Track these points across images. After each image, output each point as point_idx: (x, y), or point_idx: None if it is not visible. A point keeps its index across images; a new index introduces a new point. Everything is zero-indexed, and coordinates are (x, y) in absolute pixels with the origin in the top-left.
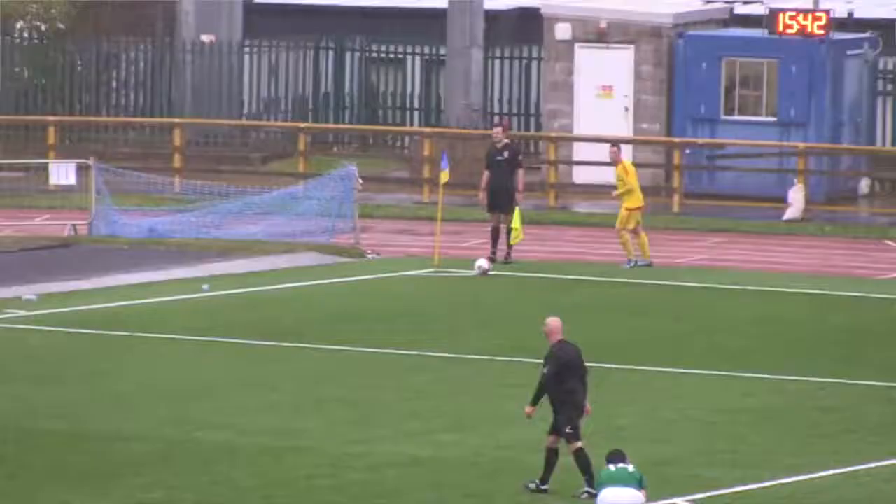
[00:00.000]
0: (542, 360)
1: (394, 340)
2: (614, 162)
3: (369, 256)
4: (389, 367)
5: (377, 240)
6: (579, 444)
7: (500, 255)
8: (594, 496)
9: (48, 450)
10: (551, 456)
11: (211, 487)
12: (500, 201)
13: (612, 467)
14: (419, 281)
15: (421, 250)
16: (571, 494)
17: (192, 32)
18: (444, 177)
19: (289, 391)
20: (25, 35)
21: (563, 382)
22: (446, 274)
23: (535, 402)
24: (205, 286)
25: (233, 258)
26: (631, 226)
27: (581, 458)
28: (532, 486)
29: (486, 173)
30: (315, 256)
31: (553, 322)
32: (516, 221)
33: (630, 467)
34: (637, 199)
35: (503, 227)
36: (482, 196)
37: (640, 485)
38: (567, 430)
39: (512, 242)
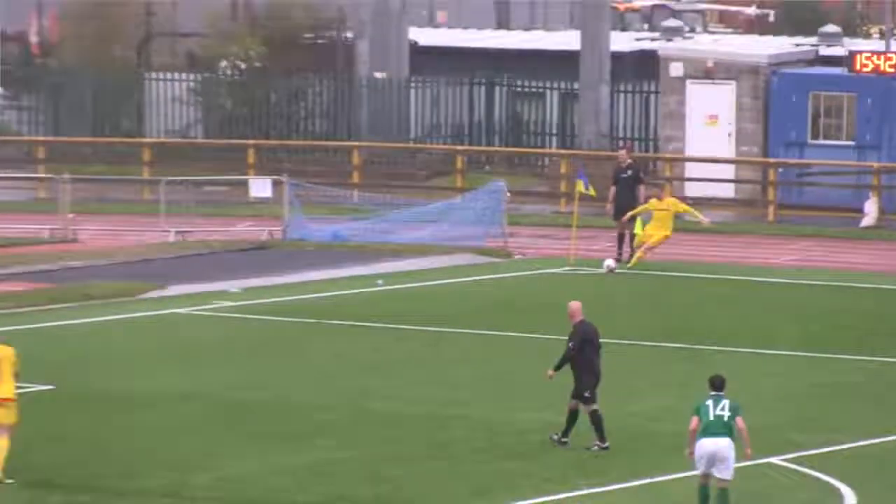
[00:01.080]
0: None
1: (534, 326)
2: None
3: (516, 257)
4: (530, 349)
5: (522, 243)
6: (594, 406)
7: (625, 255)
8: (604, 449)
9: (257, 415)
10: (572, 415)
11: (387, 447)
12: (625, 211)
13: (710, 406)
14: (557, 277)
15: (558, 252)
16: (585, 447)
17: (367, 70)
18: (581, 187)
19: (447, 369)
20: (228, 72)
21: (584, 354)
22: (580, 272)
23: (557, 368)
24: (379, 281)
25: (403, 258)
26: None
27: (595, 418)
28: (555, 437)
29: (613, 188)
30: (470, 257)
31: (574, 305)
32: (638, 228)
33: (726, 403)
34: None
35: (627, 233)
36: (609, 207)
37: (734, 416)
38: (585, 395)
39: (635, 245)
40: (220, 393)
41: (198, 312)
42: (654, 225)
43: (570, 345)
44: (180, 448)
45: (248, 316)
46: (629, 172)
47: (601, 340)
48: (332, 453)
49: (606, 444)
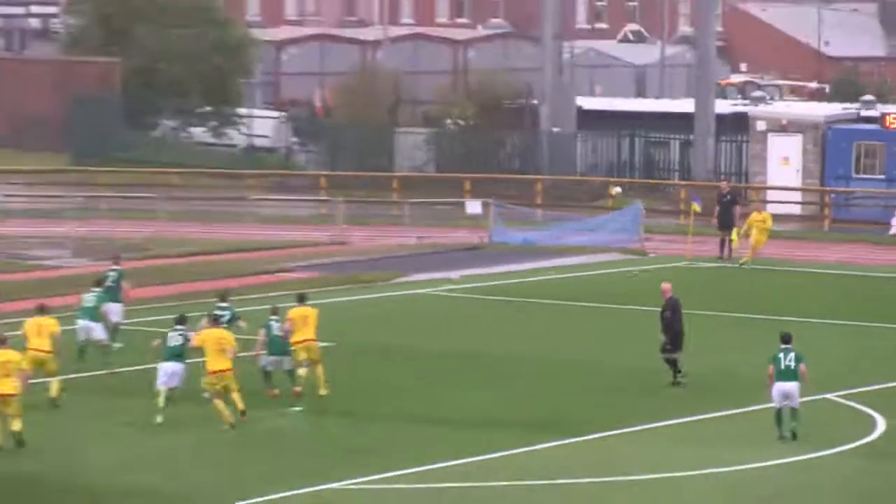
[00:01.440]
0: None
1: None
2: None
3: (649, 255)
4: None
5: (653, 246)
6: (674, 355)
7: (724, 255)
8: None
9: (482, 364)
10: (670, 363)
11: (566, 384)
12: (725, 224)
13: (781, 357)
14: (677, 269)
15: (678, 252)
16: (669, 382)
17: (547, 125)
18: (695, 207)
19: (599, 332)
20: (451, 127)
21: (671, 320)
22: (692, 265)
23: (664, 332)
24: (553, 273)
25: (571, 256)
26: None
27: (675, 363)
28: (681, 380)
29: (717, 208)
30: (617, 255)
31: (665, 285)
32: (734, 235)
33: (792, 354)
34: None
35: (726, 239)
36: (714, 222)
37: (798, 363)
38: (667, 347)
39: (734, 247)
40: (452, 348)
41: (430, 292)
42: (757, 233)
43: (666, 314)
44: (436, 388)
45: (464, 295)
46: (728, 197)
47: (684, 311)
48: (534, 387)
49: (682, 378)
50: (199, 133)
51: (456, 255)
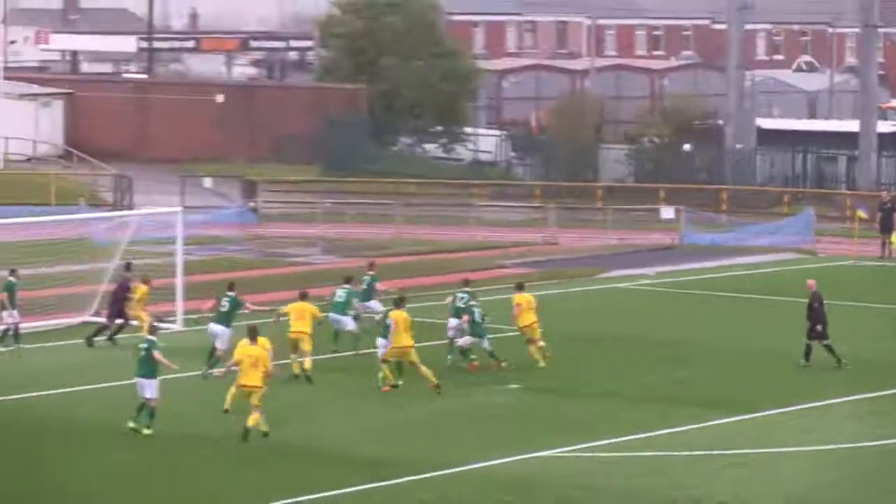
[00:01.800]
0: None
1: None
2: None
3: (820, 255)
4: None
5: (823, 247)
6: (826, 341)
7: (885, 254)
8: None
9: (654, 354)
10: (829, 349)
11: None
12: (886, 228)
13: None
14: (843, 267)
15: (845, 252)
16: (833, 366)
17: (731, 143)
18: (861, 215)
19: (776, 320)
20: (648, 144)
21: (815, 311)
22: (858, 264)
23: (809, 320)
24: (737, 270)
25: (753, 255)
26: None
27: (831, 349)
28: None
29: (878, 214)
30: (792, 255)
31: (810, 281)
32: (893, 238)
33: None
34: None
35: (887, 241)
36: (877, 226)
37: None
38: (814, 333)
39: (893, 248)
40: (645, 335)
41: (629, 286)
42: None
43: (815, 305)
44: (629, 369)
45: (658, 289)
46: (888, 205)
47: (849, 303)
48: (712, 369)
49: (845, 361)
50: (432, 149)
51: (651, 255)
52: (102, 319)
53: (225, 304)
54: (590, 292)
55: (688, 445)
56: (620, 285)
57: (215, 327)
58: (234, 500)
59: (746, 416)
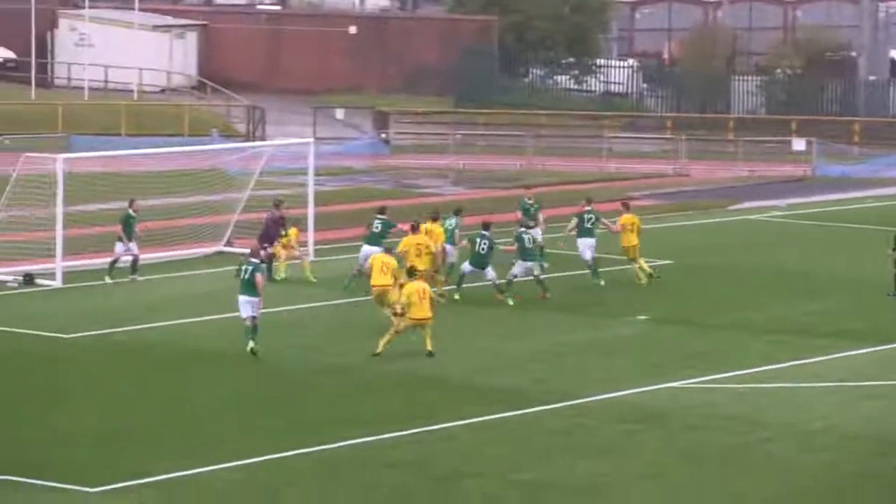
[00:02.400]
0: None
1: None
2: None
3: None
4: None
5: None
6: None
7: None
8: None
9: (785, 285)
10: None
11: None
12: None
13: None
14: None
15: None
16: None
17: (863, 74)
18: None
19: None
20: (780, 76)
21: None
22: None
23: None
24: (869, 202)
25: (883, 187)
26: None
27: None
28: None
29: None
30: None
31: None
32: None
33: None
34: None
35: None
36: None
37: None
38: None
39: None
40: (775, 265)
41: (760, 218)
42: None
43: None
44: (758, 300)
45: (789, 220)
46: None
47: None
48: (843, 301)
49: None
50: (563, 80)
51: (783, 186)
52: (234, 249)
53: (377, 226)
54: (720, 224)
55: (818, 377)
56: (751, 217)
57: (367, 248)
58: (354, 428)
59: (878, 348)
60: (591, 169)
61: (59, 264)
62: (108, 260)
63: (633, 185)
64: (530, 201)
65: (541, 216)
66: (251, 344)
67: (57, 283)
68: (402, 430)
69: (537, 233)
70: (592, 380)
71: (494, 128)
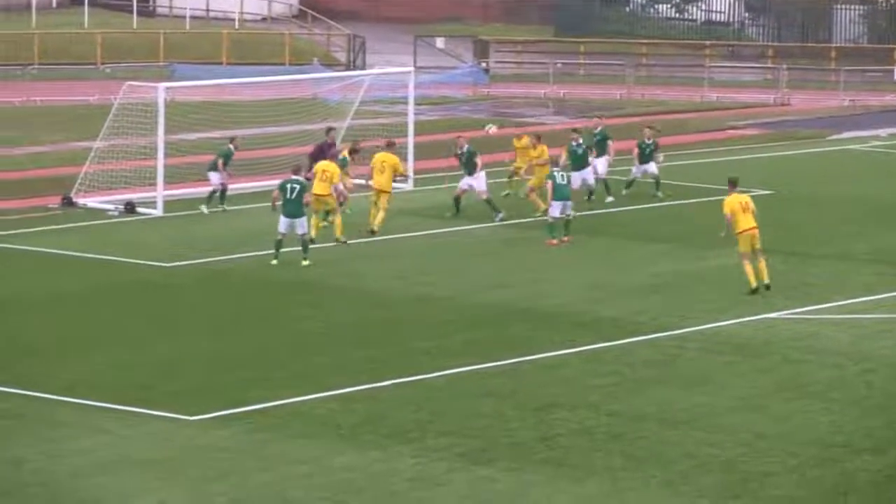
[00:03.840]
0: None
1: None
2: None
3: None
4: None
5: None
6: None
7: None
8: None
9: (887, 217)
10: None
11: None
12: None
13: None
14: None
15: None
16: None
17: None
18: None
19: None
20: (883, 4)
21: None
22: None
23: None
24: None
25: None
26: None
27: None
28: None
29: None
30: None
31: None
32: None
33: None
34: None
35: None
36: None
37: None
38: None
39: None
40: (875, 195)
41: (861, 148)
42: None
43: None
44: (863, 231)
45: (891, 151)
46: None
47: None
48: None
49: None
50: (663, 9)
51: (884, 116)
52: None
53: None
54: (821, 154)
55: None
56: (852, 147)
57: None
58: (449, 358)
59: None
60: (691, 98)
61: (161, 193)
62: (209, 189)
63: (733, 114)
64: (576, 144)
65: (610, 144)
66: (306, 261)
67: (158, 211)
68: (497, 361)
69: (600, 165)
70: (690, 311)
71: (595, 57)
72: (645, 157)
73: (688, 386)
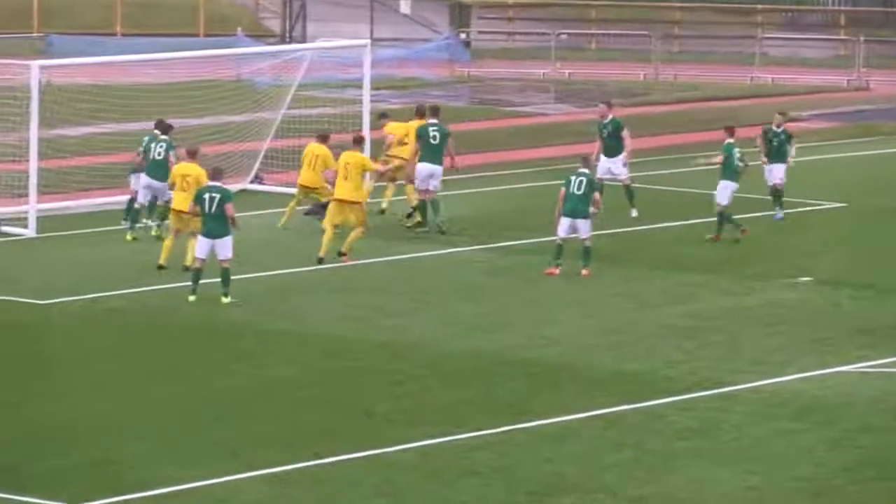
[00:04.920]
0: None
1: None
2: None
3: None
4: None
5: None
6: None
7: None
8: None
9: None
10: None
11: None
12: None
13: None
14: None
15: None
16: None
17: None
18: None
19: None
20: None
21: None
22: None
23: None
24: None
25: None
26: None
27: None
28: None
29: None
30: None
31: None
32: None
33: None
34: None
35: None
36: None
37: None
38: None
39: None
40: None
41: None
42: None
43: None
44: None
45: None
46: None
47: None
48: None
49: None
50: None
51: None
52: (265, 187)
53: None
54: None
55: None
56: None
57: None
58: (420, 426)
59: None
60: (738, 80)
61: (34, 207)
62: (100, 201)
63: (795, 101)
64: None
65: (626, 136)
66: (226, 298)
67: (30, 231)
68: (483, 429)
69: (620, 165)
70: (737, 362)
71: (610, 25)
72: (775, 152)
73: (734, 462)
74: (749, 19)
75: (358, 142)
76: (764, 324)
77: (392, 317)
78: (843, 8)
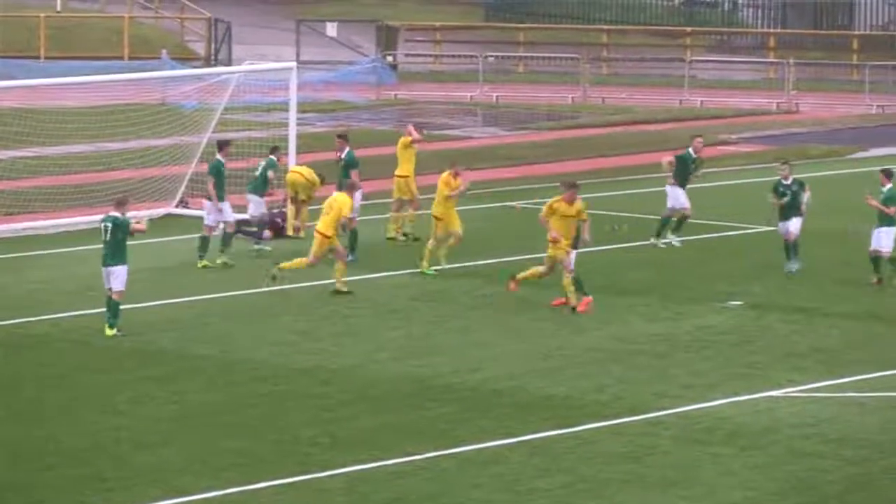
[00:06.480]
0: None
1: None
2: None
3: None
4: None
5: None
6: None
7: None
8: None
9: None
10: None
11: None
12: None
13: None
14: None
15: None
16: None
17: None
18: None
19: None
20: None
21: None
22: None
23: None
24: None
25: None
26: None
27: None
28: None
29: None
30: None
31: None
32: None
33: None
34: None
35: None
36: None
37: None
38: None
39: None
40: None
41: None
42: None
43: None
44: None
45: None
46: None
47: None
48: None
49: None
50: None
51: None
52: (190, 211)
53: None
54: (842, 177)
55: None
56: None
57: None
58: (346, 452)
59: None
60: (667, 103)
61: None
62: (35, 225)
63: (724, 124)
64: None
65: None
66: (111, 330)
67: None
68: (411, 455)
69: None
70: (666, 386)
71: (539, 48)
72: (788, 206)
73: (665, 488)
74: (678, 42)
75: (351, 188)
76: (694, 348)
77: (319, 341)
78: (772, 30)
